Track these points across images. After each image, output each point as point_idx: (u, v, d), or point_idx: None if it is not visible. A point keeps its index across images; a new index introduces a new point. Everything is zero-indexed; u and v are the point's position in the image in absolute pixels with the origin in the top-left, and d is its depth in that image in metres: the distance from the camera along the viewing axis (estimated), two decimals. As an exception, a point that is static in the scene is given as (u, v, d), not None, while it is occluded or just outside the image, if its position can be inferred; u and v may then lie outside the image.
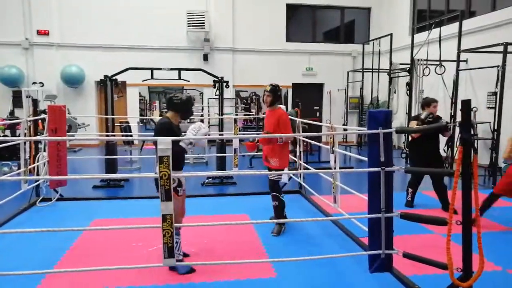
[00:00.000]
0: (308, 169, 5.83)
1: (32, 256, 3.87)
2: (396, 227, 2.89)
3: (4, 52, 11.57)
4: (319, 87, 13.80)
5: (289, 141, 4.76)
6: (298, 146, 5.57)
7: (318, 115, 13.73)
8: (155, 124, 3.47)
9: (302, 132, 5.74)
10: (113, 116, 7.24)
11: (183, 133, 3.60)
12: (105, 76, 7.02)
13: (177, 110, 3.52)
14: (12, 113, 11.36)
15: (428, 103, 5.25)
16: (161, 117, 3.65)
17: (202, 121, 13.50)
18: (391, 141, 2.74)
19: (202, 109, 15.45)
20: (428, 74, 8.92)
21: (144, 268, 3.46)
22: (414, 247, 3.33)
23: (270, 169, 4.61)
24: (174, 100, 3.50)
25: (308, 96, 13.35)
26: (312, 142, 7.38)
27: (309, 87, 13.57)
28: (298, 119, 5.51)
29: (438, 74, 8.72)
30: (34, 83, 11.52)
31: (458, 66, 7.95)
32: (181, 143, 3.29)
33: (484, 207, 4.58)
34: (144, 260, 3.80)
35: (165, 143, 2.58)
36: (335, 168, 4.19)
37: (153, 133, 3.56)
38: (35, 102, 5.90)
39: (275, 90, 4.52)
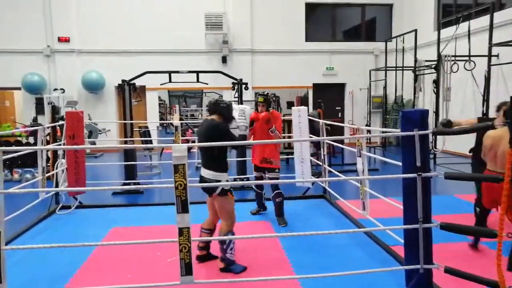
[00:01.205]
0: (333, 172, 5.57)
1: (48, 268, 3.75)
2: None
3: (26, 60, 11.73)
4: (340, 87, 13.46)
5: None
6: (322, 149, 5.31)
7: (340, 115, 13.38)
8: (209, 127, 3.58)
9: (326, 134, 5.49)
10: (131, 121, 7.15)
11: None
12: (123, 81, 6.94)
13: (222, 113, 3.63)
14: (35, 120, 11.48)
15: (498, 107, 4.24)
16: (208, 119, 3.70)
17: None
18: (427, 143, 2.47)
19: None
20: (457, 70, 8.50)
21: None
22: (449, 257, 3.04)
23: (269, 170, 4.92)
24: (221, 104, 3.64)
25: (329, 97, 13.02)
26: (335, 144, 7.09)
27: (330, 87, 13.25)
28: (321, 121, 5.25)
29: (468, 70, 8.30)
30: (55, 89, 11.63)
31: (489, 61, 7.53)
32: (239, 132, 3.75)
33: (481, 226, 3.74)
34: (162, 273, 3.63)
35: (180, 150, 2.39)
36: (363, 172, 3.91)
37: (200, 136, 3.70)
38: (54, 109, 5.85)
39: (267, 99, 4.91)
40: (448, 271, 2.49)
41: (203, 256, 3.80)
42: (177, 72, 7.03)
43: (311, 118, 5.59)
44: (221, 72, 7.60)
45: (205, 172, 3.47)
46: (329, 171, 5.53)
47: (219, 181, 3.41)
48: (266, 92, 5.03)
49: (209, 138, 3.46)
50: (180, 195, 2.37)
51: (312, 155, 5.77)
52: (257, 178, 5.12)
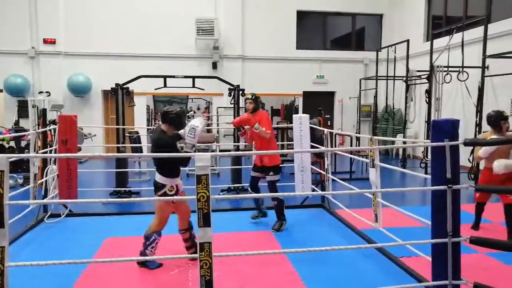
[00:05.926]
0: (335, 181, 5.47)
1: (42, 284, 3.49)
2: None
3: (10, 61, 11.31)
4: (330, 95, 13.49)
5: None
6: (325, 158, 5.20)
7: (329, 123, 13.37)
8: (156, 138, 3.84)
9: (319, 141, 5.40)
10: (123, 127, 6.92)
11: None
12: (117, 85, 6.70)
13: (171, 123, 3.83)
14: (17, 123, 11.05)
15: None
16: (159, 128, 3.91)
17: (209, 130, 13.10)
18: (458, 155, 2.39)
19: (208, 119, 15.08)
20: (450, 81, 8.60)
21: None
22: (472, 271, 2.96)
23: (265, 168, 4.87)
24: (169, 115, 3.81)
25: (319, 105, 12.96)
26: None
27: (320, 95, 13.25)
28: (325, 129, 5.16)
29: (461, 81, 8.40)
30: (40, 92, 11.23)
31: (483, 72, 7.63)
32: (185, 149, 3.73)
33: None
34: (167, 286, 3.44)
35: (203, 159, 2.23)
36: (375, 184, 3.81)
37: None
38: (44, 112, 5.58)
39: (257, 98, 4.95)
40: (478, 287, 2.41)
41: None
42: (173, 76, 6.84)
43: (313, 126, 5.50)
44: (218, 77, 7.46)
45: (156, 176, 3.84)
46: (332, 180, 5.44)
47: (164, 185, 3.77)
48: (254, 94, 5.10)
49: (157, 147, 3.75)
50: (202, 207, 2.20)
51: (312, 163, 5.67)
52: (254, 178, 5.09)
